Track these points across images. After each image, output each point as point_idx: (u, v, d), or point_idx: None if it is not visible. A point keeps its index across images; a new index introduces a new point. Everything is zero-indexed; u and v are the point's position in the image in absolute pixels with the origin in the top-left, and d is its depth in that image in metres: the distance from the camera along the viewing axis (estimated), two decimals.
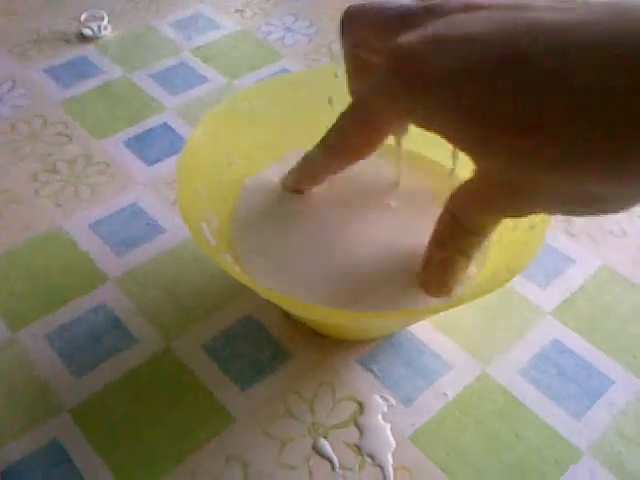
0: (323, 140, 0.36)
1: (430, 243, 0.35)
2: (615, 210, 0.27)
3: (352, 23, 0.35)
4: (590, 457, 0.36)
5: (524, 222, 0.37)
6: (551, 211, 0.30)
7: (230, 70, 0.65)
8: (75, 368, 0.41)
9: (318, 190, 0.42)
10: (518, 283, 0.45)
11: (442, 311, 0.34)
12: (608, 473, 0.36)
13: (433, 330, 0.42)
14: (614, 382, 0.40)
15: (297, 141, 0.45)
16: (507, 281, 0.33)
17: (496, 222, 0.32)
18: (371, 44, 0.34)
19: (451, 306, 0.33)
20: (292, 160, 0.42)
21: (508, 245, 0.38)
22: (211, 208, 0.41)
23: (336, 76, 0.46)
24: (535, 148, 0.26)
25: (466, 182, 0.32)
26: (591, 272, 0.46)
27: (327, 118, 0.42)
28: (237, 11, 0.73)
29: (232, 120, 0.44)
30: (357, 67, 0.37)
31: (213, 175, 0.42)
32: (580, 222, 0.49)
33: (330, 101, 0.46)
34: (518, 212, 0.30)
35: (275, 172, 0.45)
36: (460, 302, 0.33)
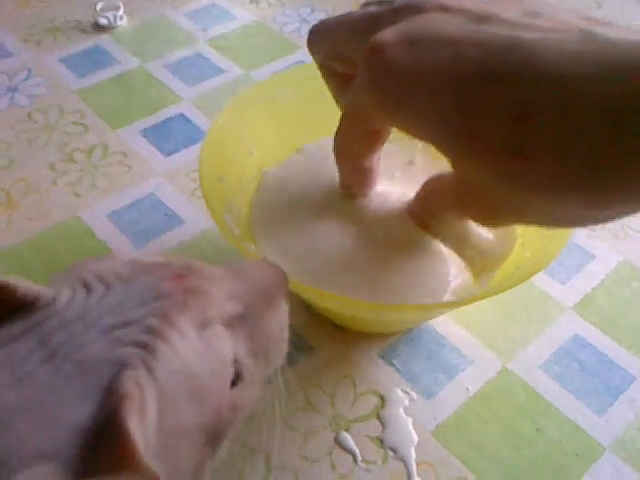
0: (334, 152, 0.36)
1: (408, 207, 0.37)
2: (598, 223, 0.27)
3: (319, 38, 0.35)
4: (612, 453, 0.36)
5: None
6: (527, 224, 0.30)
7: (246, 61, 0.65)
8: None
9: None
10: (538, 278, 0.44)
11: (466, 305, 0.34)
12: (631, 470, 0.36)
13: (453, 324, 0.42)
14: (635, 378, 0.40)
15: (317, 130, 0.45)
16: (534, 274, 0.33)
17: (464, 220, 0.33)
18: (342, 54, 0.33)
19: (475, 299, 0.33)
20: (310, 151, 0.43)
21: (535, 238, 0.38)
22: (234, 197, 0.41)
23: None
24: (519, 172, 0.25)
25: (444, 176, 0.31)
26: (611, 267, 0.46)
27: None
28: (252, 2, 0.73)
29: (252, 110, 0.44)
30: (335, 81, 0.36)
31: (235, 165, 0.42)
32: None
33: None
34: (490, 222, 0.30)
35: (293, 162, 0.45)
36: (487, 295, 0.33)
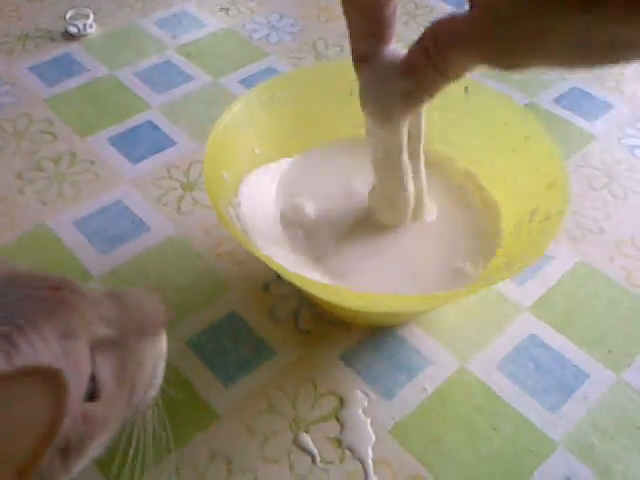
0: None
1: (404, 59, 0.32)
2: (629, 61, 0.23)
3: None
4: (564, 449, 0.37)
5: (541, 214, 0.39)
6: (553, 64, 0.25)
7: (215, 68, 0.65)
8: None
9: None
10: None
11: (463, 296, 0.38)
12: (582, 464, 0.37)
13: (413, 325, 0.43)
14: (589, 376, 0.41)
15: (319, 133, 0.48)
16: (521, 269, 0.35)
17: (473, 69, 0.29)
18: None
19: (472, 291, 0.37)
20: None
21: (524, 236, 0.40)
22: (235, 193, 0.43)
23: None
24: None
25: (457, 15, 0.27)
26: (568, 268, 0.47)
27: (348, 110, 0.43)
28: (222, 9, 0.74)
29: (255, 110, 0.45)
30: None
31: (238, 163, 0.44)
32: None
33: (351, 93, 0.47)
34: (509, 62, 0.26)
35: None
36: (481, 286, 0.37)
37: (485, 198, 0.45)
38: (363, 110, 0.37)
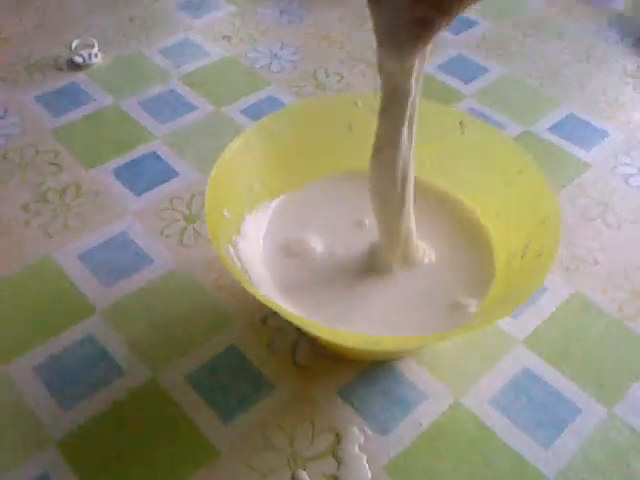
0: None
1: None
2: None
3: None
4: None
5: (533, 250, 0.40)
6: None
7: (218, 98, 0.66)
8: (63, 400, 0.42)
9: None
10: None
11: (458, 336, 0.38)
12: None
13: (409, 360, 0.44)
14: (581, 410, 0.41)
15: (318, 168, 0.50)
16: (515, 307, 0.36)
17: None
18: None
19: (463, 331, 0.37)
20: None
21: (517, 272, 0.41)
22: (236, 231, 0.45)
23: (356, 104, 0.48)
24: None
25: None
26: (563, 300, 0.48)
27: (346, 144, 0.44)
28: (225, 37, 0.75)
29: (254, 147, 0.46)
30: None
31: (238, 201, 0.45)
32: None
33: (350, 128, 0.48)
34: None
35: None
36: (474, 327, 0.37)
37: (479, 232, 0.46)
38: (377, 49, 0.34)
